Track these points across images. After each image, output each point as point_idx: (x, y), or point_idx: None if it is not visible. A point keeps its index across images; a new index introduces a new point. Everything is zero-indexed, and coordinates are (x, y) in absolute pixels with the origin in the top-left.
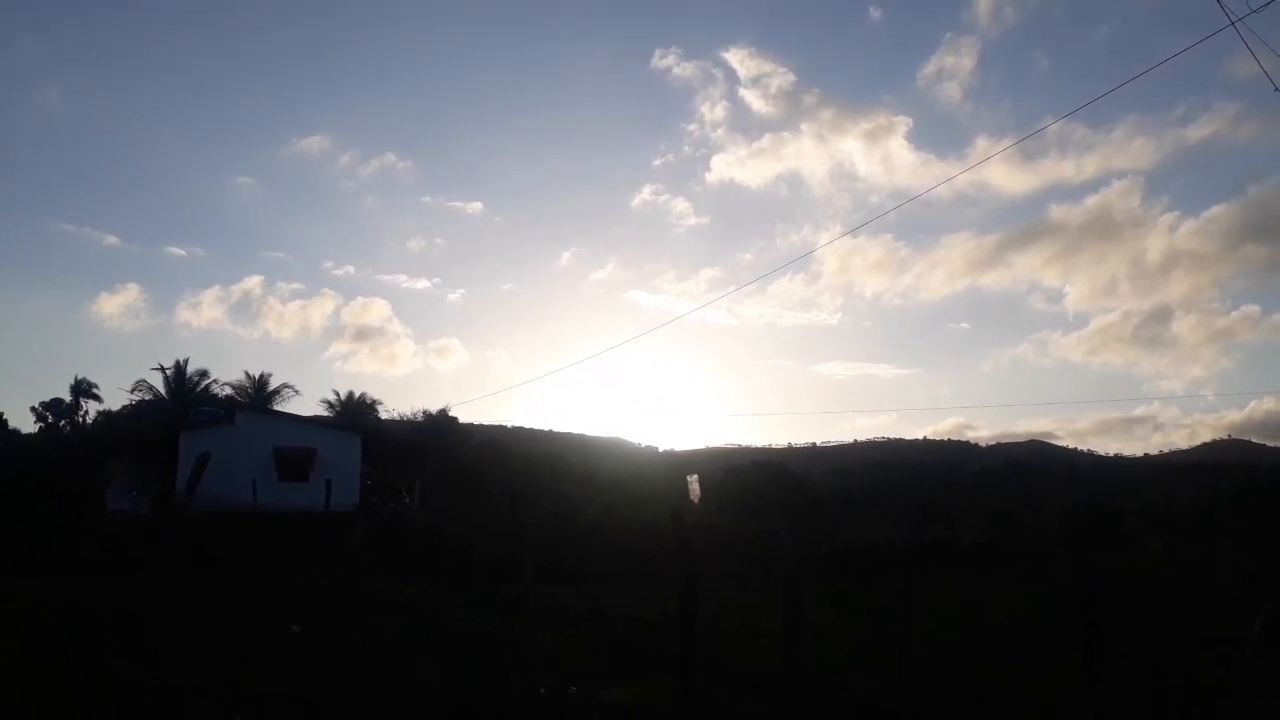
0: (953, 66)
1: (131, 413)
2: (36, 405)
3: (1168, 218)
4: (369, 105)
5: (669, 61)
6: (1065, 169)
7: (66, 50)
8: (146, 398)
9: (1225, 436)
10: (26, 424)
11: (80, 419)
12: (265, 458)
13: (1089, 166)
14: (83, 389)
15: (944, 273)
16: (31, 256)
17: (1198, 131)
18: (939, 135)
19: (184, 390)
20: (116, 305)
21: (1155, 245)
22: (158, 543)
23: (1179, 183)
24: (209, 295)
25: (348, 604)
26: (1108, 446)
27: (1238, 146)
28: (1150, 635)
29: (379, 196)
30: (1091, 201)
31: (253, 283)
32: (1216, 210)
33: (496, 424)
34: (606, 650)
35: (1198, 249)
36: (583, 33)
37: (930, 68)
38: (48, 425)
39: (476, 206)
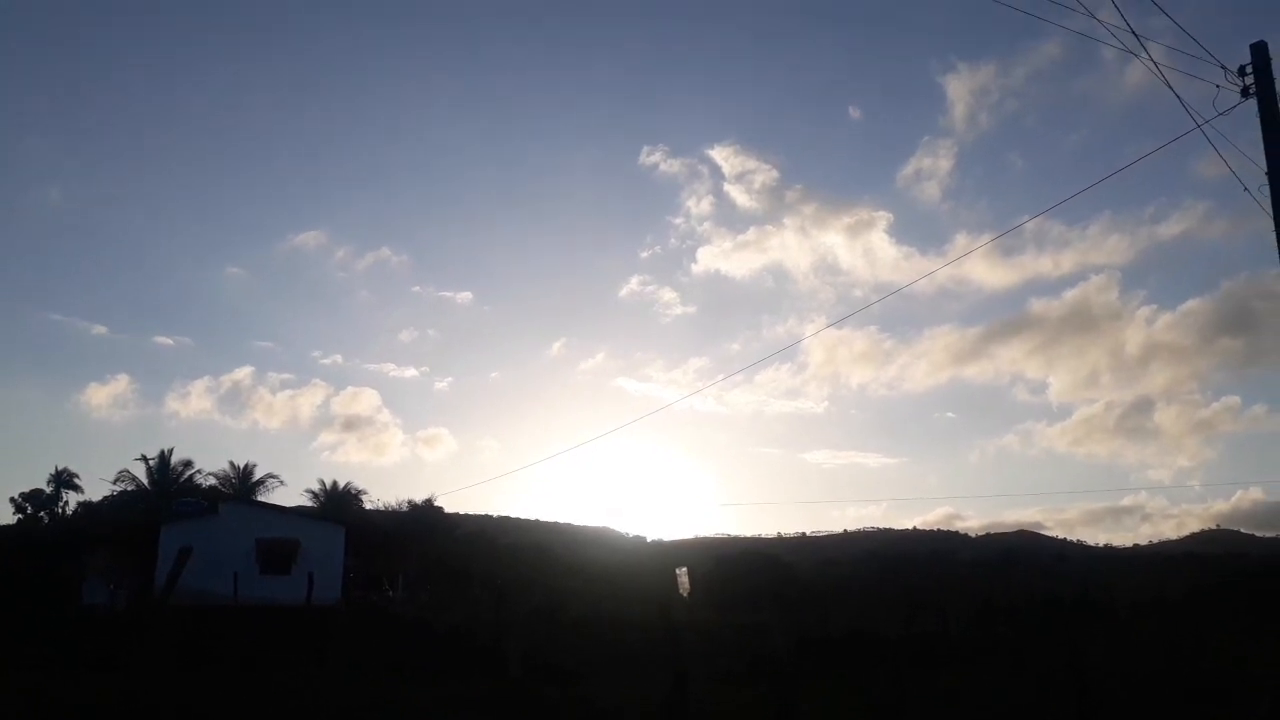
0: (931, 167)
1: (112, 504)
2: (15, 496)
3: (1144, 311)
4: (362, 201)
5: (656, 158)
6: (1043, 264)
7: (64, 143)
8: (129, 488)
9: (1214, 526)
10: (5, 515)
11: (60, 510)
12: (247, 549)
13: (1066, 262)
14: (63, 480)
15: (928, 364)
16: (19, 346)
17: (1169, 228)
18: (919, 231)
19: (167, 481)
20: (105, 395)
21: (1134, 338)
22: (133, 639)
23: (1154, 277)
24: (198, 385)
25: (328, 702)
26: (1096, 536)
27: (1209, 242)
28: None
29: (371, 288)
30: (1070, 295)
31: (242, 373)
32: (1192, 304)
33: (483, 514)
34: None
35: (1175, 341)
36: (573, 130)
37: (909, 168)
38: (26, 516)
39: (466, 296)
